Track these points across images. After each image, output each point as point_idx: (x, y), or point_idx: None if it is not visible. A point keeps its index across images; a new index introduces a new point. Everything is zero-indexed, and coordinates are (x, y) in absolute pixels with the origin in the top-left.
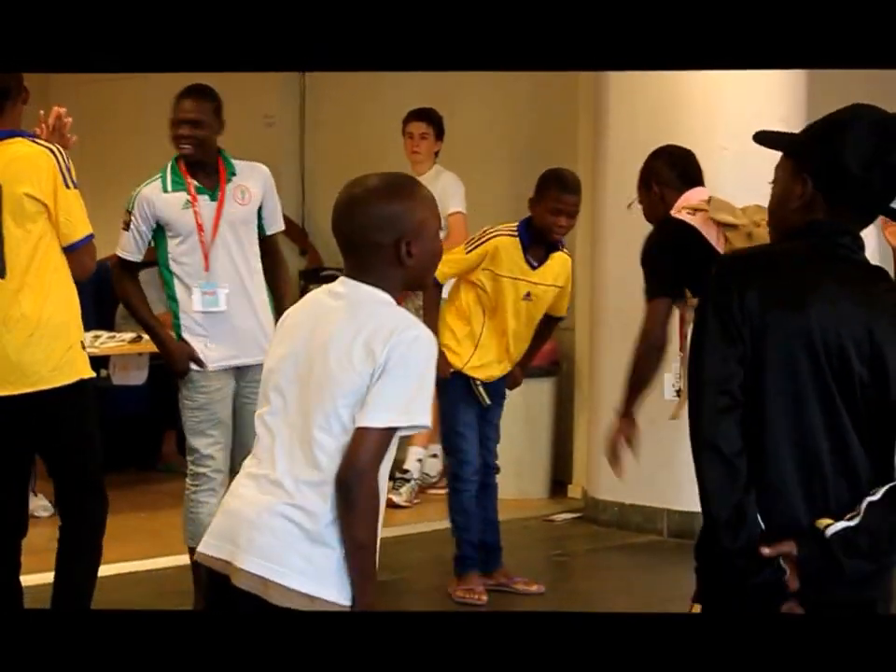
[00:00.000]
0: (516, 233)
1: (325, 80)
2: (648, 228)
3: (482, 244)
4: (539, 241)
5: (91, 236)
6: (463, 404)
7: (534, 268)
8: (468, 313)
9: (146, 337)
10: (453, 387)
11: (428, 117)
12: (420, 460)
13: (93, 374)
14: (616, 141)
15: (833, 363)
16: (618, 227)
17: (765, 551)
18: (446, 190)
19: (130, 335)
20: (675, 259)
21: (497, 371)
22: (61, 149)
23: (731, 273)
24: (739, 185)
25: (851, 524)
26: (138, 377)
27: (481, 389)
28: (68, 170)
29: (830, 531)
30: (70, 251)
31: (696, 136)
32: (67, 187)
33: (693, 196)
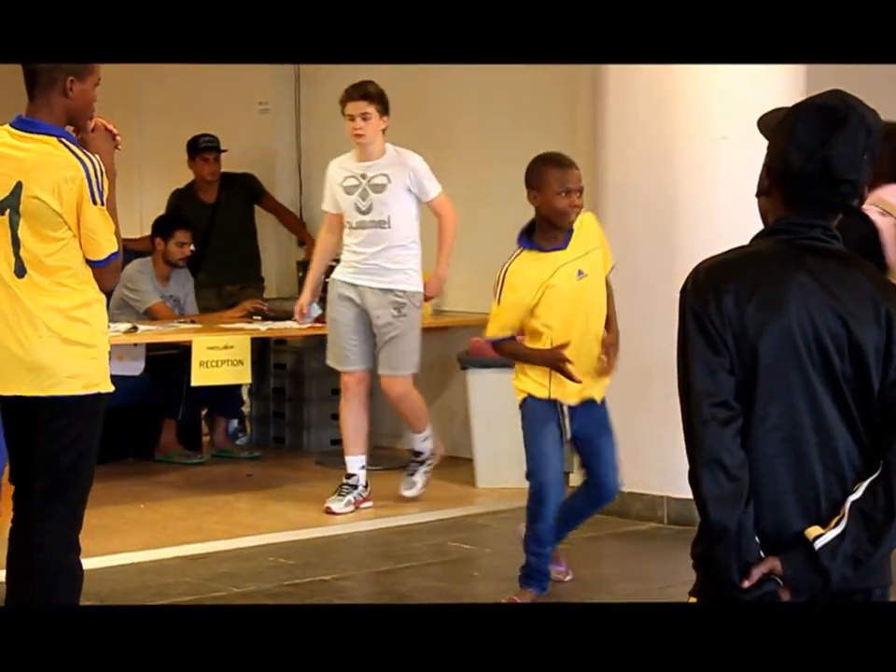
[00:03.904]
0: (520, 248)
1: (319, 65)
2: (645, 211)
3: (501, 287)
4: (550, 231)
5: (115, 255)
6: (543, 427)
7: (565, 248)
8: (536, 339)
9: (141, 328)
10: (532, 411)
11: (367, 94)
12: (427, 439)
13: (112, 388)
14: (615, 130)
15: (814, 359)
16: (618, 211)
17: (753, 572)
18: (420, 175)
19: (125, 325)
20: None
21: (581, 387)
22: (97, 160)
23: (704, 280)
24: (738, 175)
25: (838, 531)
26: (135, 367)
27: (566, 418)
28: (99, 185)
29: (819, 543)
30: (93, 266)
31: (695, 125)
32: (94, 202)
33: (891, 193)
